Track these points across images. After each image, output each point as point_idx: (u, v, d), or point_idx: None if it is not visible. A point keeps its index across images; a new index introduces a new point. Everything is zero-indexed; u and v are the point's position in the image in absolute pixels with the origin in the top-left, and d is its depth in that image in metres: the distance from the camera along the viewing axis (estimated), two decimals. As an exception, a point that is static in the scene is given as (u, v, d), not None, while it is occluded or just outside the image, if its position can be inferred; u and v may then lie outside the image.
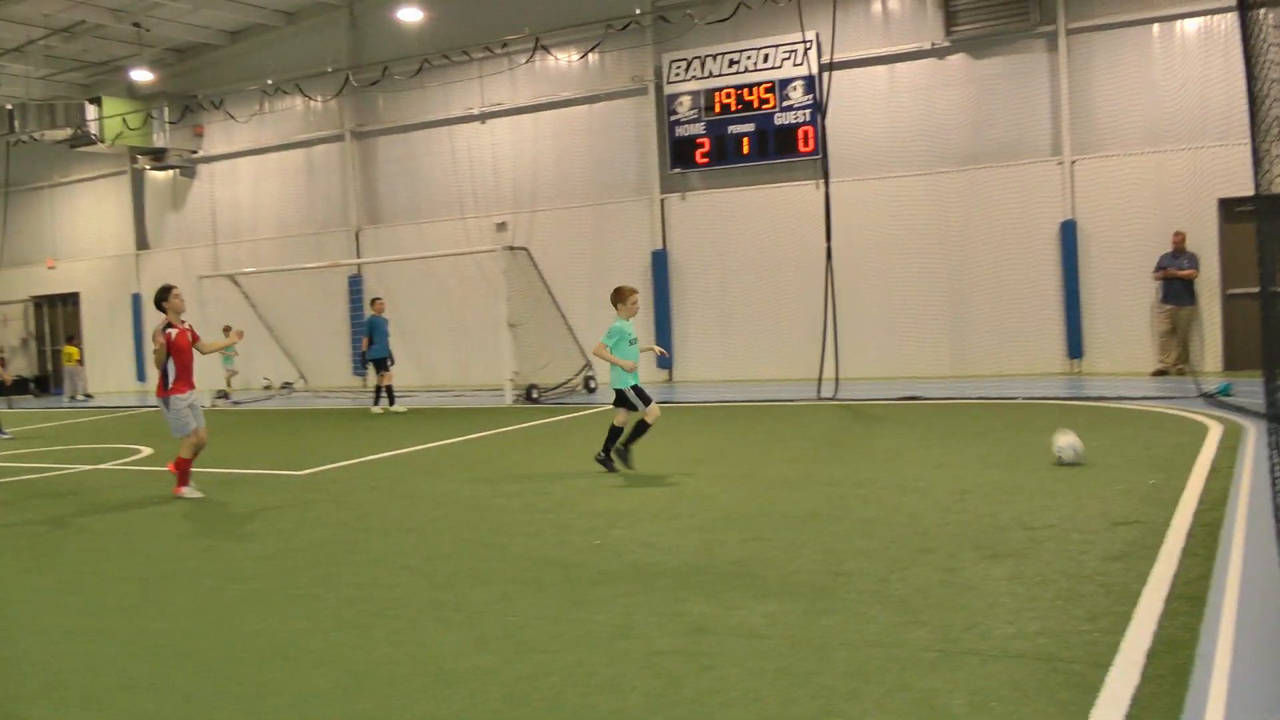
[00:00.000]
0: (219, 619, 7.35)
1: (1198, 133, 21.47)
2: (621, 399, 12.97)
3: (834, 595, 7.08)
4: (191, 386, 12.71)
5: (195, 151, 33.05)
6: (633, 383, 12.92)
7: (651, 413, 12.86)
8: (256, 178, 32.16)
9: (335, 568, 8.66)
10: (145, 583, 8.60)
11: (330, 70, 29.67)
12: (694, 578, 7.73)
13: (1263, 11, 7.36)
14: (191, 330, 12.92)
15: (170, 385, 12.49)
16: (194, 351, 12.72)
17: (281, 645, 6.62)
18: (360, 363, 23.19)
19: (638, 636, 6.42)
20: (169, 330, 12.53)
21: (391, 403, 22.77)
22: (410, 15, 28.15)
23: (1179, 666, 5.50)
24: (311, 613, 7.35)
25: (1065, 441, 11.90)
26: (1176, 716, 4.94)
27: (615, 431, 12.97)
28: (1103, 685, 5.29)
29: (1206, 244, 21.52)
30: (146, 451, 17.86)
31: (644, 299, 26.37)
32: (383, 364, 22.82)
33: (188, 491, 12.58)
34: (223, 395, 27.89)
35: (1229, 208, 21.26)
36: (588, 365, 25.10)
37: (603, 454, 13.06)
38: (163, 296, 12.90)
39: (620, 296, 13.45)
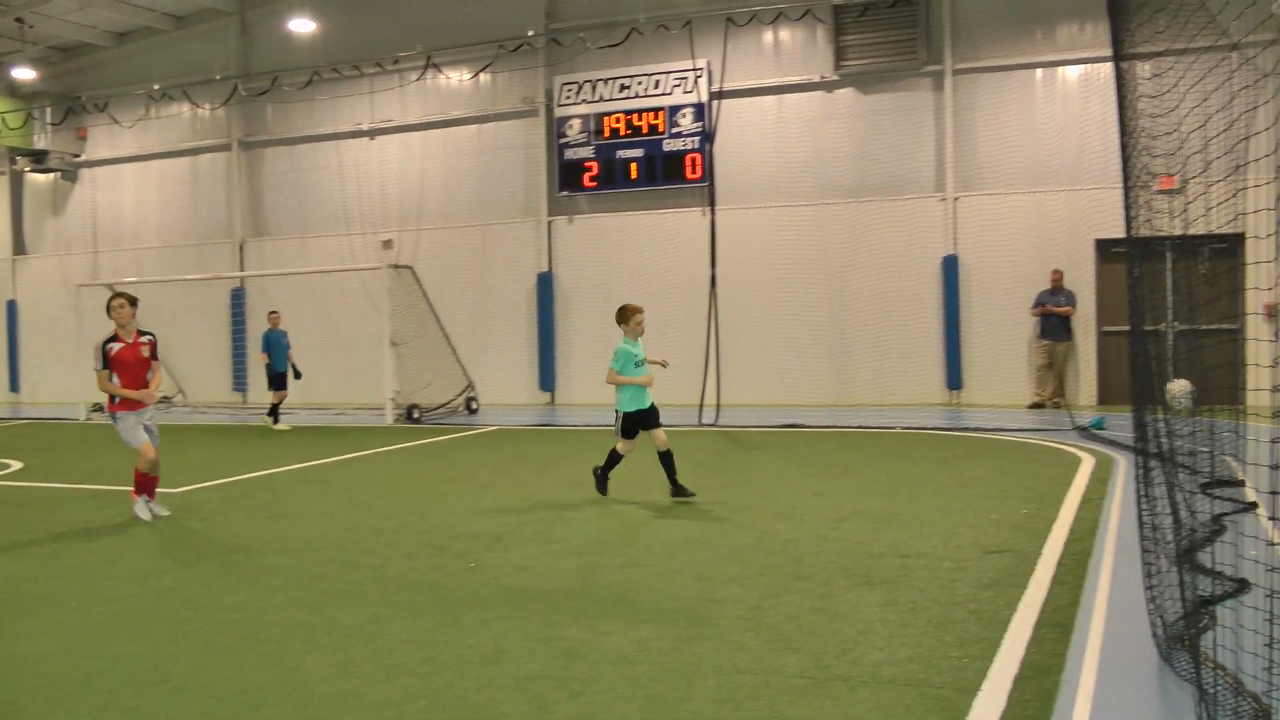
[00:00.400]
0: (83, 642, 7.12)
1: (1076, 175, 21.96)
2: (627, 427, 12.12)
3: (707, 622, 7.07)
4: (142, 403, 12.04)
5: (78, 155, 32.17)
6: (636, 407, 12.06)
7: (658, 438, 12.01)
8: (140, 185, 31.38)
9: (205, 589, 8.46)
10: (5, 604, 8.30)
11: (219, 78, 29.13)
12: (568, 602, 7.68)
13: (1138, 64, 7.53)
14: (152, 346, 12.23)
15: (117, 401, 11.95)
16: (150, 363, 12.08)
17: (147, 670, 6.43)
18: (272, 380, 22.50)
19: (509, 661, 6.36)
20: (109, 345, 11.82)
21: (275, 421, 22.34)
22: (302, 26, 27.80)
23: (1045, 691, 5.60)
24: (179, 636, 7.16)
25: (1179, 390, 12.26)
26: (1040, 742, 5.01)
27: (615, 458, 12.31)
28: (970, 710, 5.37)
29: (1083, 282, 21.96)
30: (16, 465, 17.35)
31: (528, 321, 26.35)
32: (277, 380, 22.38)
33: (139, 508, 12.04)
34: (98, 409, 27.23)
35: (1105, 248, 21.76)
36: (470, 386, 24.95)
37: (600, 471, 12.47)
38: (108, 306, 12.08)
39: (624, 316, 12.31)
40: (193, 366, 29.80)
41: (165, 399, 28.71)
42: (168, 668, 6.45)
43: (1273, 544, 8.08)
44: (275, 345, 22.35)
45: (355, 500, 12.82)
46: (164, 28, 30.04)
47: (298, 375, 22.67)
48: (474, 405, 24.74)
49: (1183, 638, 5.90)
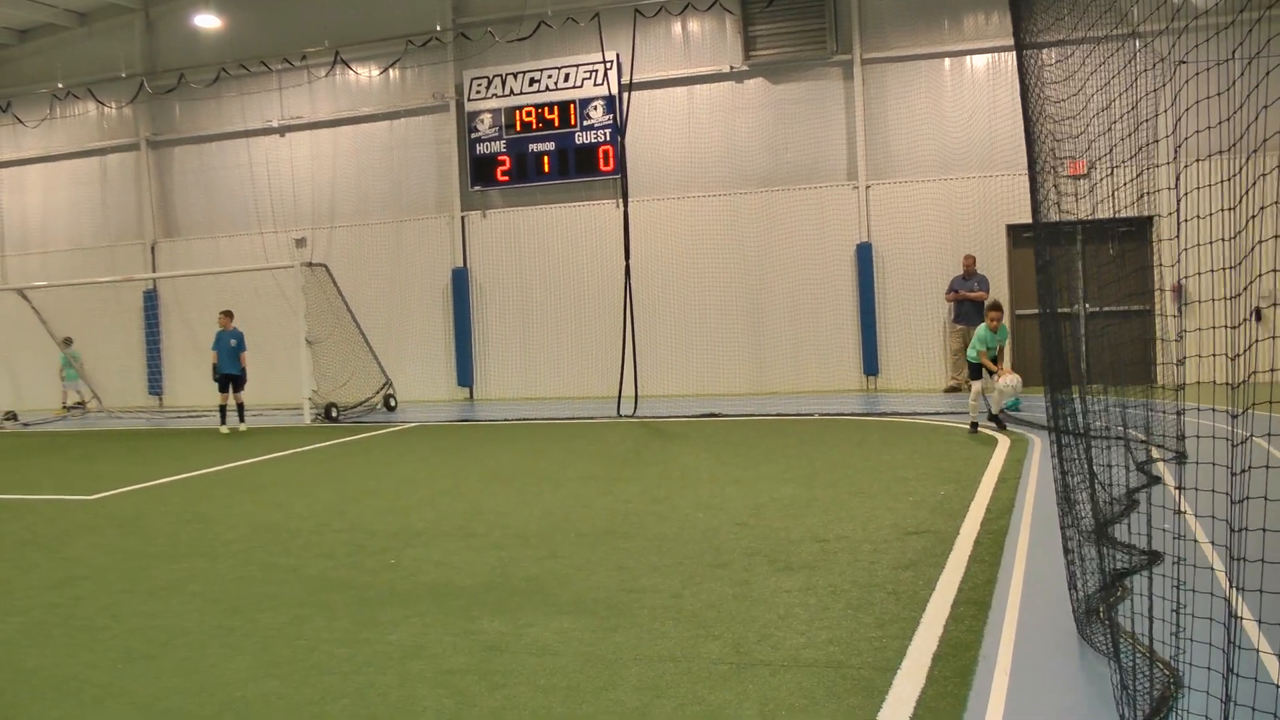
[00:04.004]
0: (-3, 654, 6.99)
1: (986, 162, 22.25)
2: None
3: (627, 612, 7.08)
4: None
5: (-20, 157, 31.57)
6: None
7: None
8: (47, 186, 30.70)
9: (122, 596, 8.33)
10: (-89, 614, 8.15)
11: (124, 76, 28.64)
12: (488, 596, 7.66)
13: (1044, 51, 7.64)
14: None
15: None
16: None
17: (64, 680, 6.32)
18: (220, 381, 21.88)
19: (430, 656, 6.34)
20: None
21: (240, 420, 21.86)
22: (207, 22, 27.43)
23: (963, 668, 5.67)
24: (96, 644, 7.04)
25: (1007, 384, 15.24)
26: (959, 716, 5.09)
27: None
28: (890, 689, 5.43)
29: (996, 267, 22.23)
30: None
31: (444, 317, 26.25)
32: (224, 382, 21.88)
33: None
34: (10, 416, 26.79)
35: (1016, 233, 22.02)
36: (388, 383, 24.77)
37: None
38: None
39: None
40: (106, 371, 29.30)
41: (79, 405, 28.28)
42: (86, 676, 6.35)
43: (1180, 512, 8.24)
44: (222, 346, 21.90)
45: (273, 501, 12.71)
46: (67, 25, 29.45)
47: (242, 380, 22.12)
48: (392, 402, 24.59)
49: (1098, 610, 6.00)
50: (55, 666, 6.61)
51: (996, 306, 16.34)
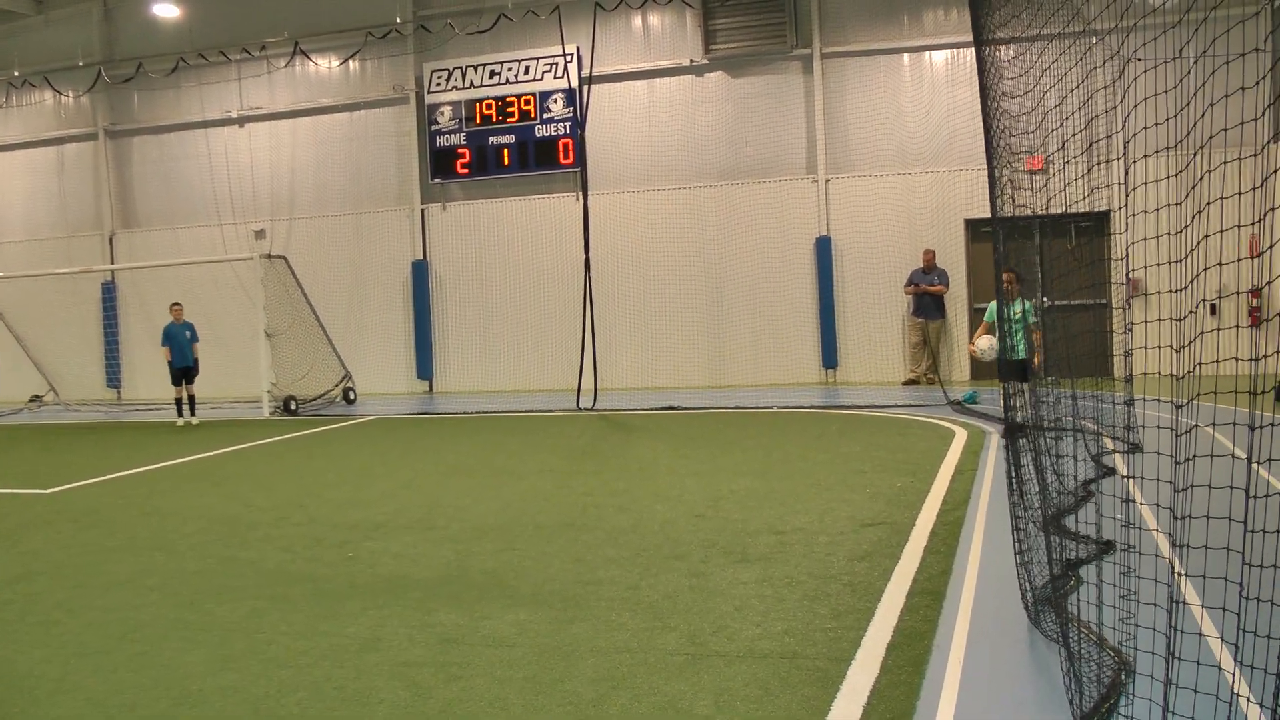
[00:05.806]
0: (-53, 650, 6.92)
1: (945, 157, 22.38)
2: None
3: (584, 603, 7.11)
4: None
5: (-67, 148, 31.23)
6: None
7: None
8: (2, 176, 30.28)
9: (78, 590, 8.28)
10: None
11: (82, 64, 28.40)
12: (445, 588, 7.67)
13: (1004, 48, 7.69)
14: None
15: None
16: None
17: (17, 676, 6.29)
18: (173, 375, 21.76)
19: (387, 648, 6.35)
20: None
21: (192, 413, 21.74)
22: (166, 11, 27.21)
23: (917, 657, 5.73)
24: (51, 639, 7.00)
25: (985, 345, 14.01)
26: (912, 704, 5.15)
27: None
28: (844, 679, 5.48)
29: (954, 261, 22.37)
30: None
31: (404, 309, 26.18)
32: (178, 375, 21.78)
33: None
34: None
35: (975, 227, 22.17)
36: (347, 376, 24.68)
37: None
38: None
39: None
40: (63, 364, 29.05)
41: (35, 397, 28.05)
42: (40, 672, 6.32)
43: (1129, 501, 8.34)
44: (175, 339, 21.82)
45: (232, 494, 12.65)
46: (24, 11, 29.09)
47: (195, 370, 22.04)
48: (351, 395, 24.50)
49: (1050, 599, 6.06)
50: (8, 662, 6.58)
51: (1010, 268, 14.15)
